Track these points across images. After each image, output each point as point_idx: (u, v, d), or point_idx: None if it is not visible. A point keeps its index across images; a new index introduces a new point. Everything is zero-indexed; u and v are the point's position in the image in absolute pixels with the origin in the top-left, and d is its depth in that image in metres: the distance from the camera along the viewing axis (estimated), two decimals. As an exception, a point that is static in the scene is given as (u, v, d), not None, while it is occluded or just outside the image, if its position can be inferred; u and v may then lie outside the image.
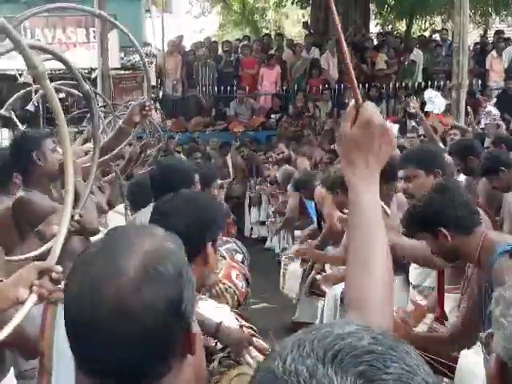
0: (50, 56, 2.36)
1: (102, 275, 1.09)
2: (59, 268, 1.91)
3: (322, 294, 5.54)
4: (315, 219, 6.61)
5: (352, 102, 1.39)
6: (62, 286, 2.02)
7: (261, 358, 2.54)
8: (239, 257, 3.66)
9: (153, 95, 12.85)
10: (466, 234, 2.63)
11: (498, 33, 15.31)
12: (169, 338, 1.10)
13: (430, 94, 9.46)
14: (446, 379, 3.07)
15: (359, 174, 1.34)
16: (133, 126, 3.50)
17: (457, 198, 2.69)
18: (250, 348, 2.62)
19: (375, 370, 0.73)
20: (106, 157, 3.46)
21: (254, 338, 2.70)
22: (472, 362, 2.88)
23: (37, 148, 3.33)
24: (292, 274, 6.10)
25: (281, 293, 6.40)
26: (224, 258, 3.40)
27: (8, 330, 1.74)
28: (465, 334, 2.77)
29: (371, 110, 1.38)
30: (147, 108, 3.42)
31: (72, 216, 2.44)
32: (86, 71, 12.51)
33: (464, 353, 2.95)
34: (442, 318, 3.32)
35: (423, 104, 10.27)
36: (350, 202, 1.36)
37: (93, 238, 4.20)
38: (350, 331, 0.78)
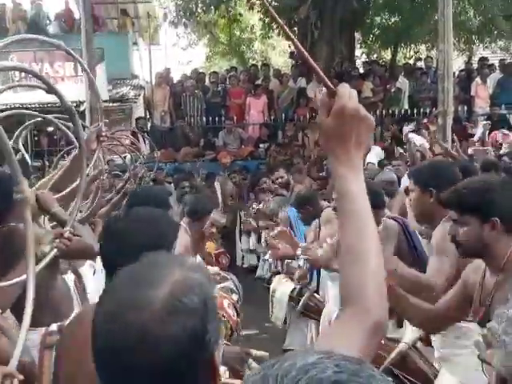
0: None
1: (128, 305, 1.10)
2: (20, 376, 1.89)
3: (314, 317, 5.51)
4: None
5: (324, 91, 1.37)
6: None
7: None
8: (235, 297, 3.65)
9: (140, 127, 12.90)
10: (509, 233, 2.55)
11: (482, 59, 15.53)
12: (191, 371, 1.09)
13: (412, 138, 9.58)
14: None
15: (343, 164, 1.33)
16: (90, 152, 3.50)
17: None
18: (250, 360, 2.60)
19: None
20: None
21: (251, 349, 2.69)
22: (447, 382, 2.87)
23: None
24: (278, 303, 6.06)
25: (272, 321, 6.37)
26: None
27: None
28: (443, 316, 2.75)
29: (344, 95, 1.39)
30: (103, 134, 3.44)
31: (61, 234, 2.40)
32: (75, 104, 12.55)
33: (442, 371, 2.93)
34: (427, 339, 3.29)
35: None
36: (337, 193, 1.34)
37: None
38: (312, 362, 0.77)
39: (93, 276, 4.81)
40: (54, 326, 3.28)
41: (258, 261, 10.26)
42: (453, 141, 9.34)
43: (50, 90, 2.38)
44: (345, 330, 1.23)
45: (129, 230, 2.05)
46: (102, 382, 1.11)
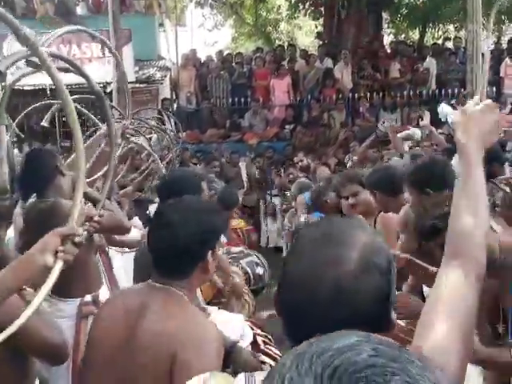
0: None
1: (323, 262, 1.18)
2: (81, 231, 1.94)
3: None
4: None
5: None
6: None
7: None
8: (260, 270, 3.66)
9: (167, 109, 12.95)
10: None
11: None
12: (375, 326, 1.12)
13: (445, 109, 9.47)
14: None
15: (473, 145, 1.51)
16: (114, 146, 3.60)
17: None
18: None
19: None
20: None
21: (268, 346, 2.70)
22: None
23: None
24: None
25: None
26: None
27: (38, 301, 1.75)
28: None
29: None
30: (127, 130, 3.50)
31: (91, 217, 2.45)
32: (102, 85, 12.63)
33: None
34: None
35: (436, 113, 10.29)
36: (462, 169, 1.50)
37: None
38: (349, 344, 0.76)
39: (121, 256, 4.90)
40: (88, 297, 3.41)
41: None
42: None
43: (80, 73, 2.42)
44: (453, 282, 1.32)
45: (180, 219, 2.07)
46: (290, 334, 1.19)
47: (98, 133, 4.20)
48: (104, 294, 3.46)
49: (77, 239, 1.90)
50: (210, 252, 2.08)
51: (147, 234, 2.18)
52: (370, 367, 0.72)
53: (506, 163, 6.22)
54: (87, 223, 2.49)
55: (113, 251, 4.63)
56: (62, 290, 3.13)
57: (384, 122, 8.21)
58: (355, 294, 1.15)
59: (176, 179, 3.56)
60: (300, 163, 10.02)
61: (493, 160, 5.37)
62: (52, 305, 3.30)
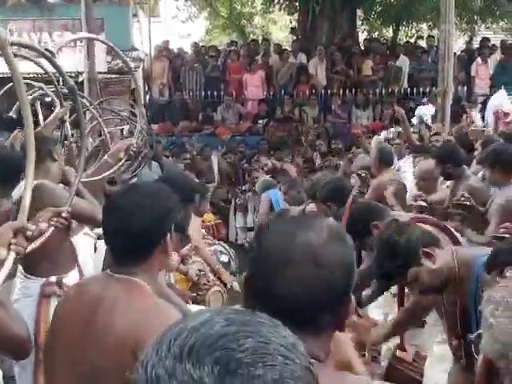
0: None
1: (297, 231, 1.29)
2: (32, 226, 2.01)
3: None
4: None
5: None
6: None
7: None
8: (225, 258, 3.67)
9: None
10: (438, 247, 2.62)
11: (484, 40, 15.46)
12: (335, 294, 1.27)
13: (422, 111, 9.57)
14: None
15: None
16: (117, 160, 3.64)
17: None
18: None
19: (230, 352, 0.74)
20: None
21: None
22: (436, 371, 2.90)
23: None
24: None
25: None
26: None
27: None
28: None
29: None
30: (134, 148, 3.53)
31: (58, 213, 2.47)
32: (73, 75, 12.48)
33: (427, 363, 2.97)
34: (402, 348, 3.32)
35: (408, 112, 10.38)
36: None
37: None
38: (202, 320, 0.79)
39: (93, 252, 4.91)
40: (52, 278, 3.49)
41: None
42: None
43: (56, 69, 2.41)
44: None
45: (137, 204, 2.03)
46: (256, 290, 1.29)
47: (53, 114, 4.22)
48: (73, 279, 3.47)
49: (28, 233, 1.96)
50: (167, 234, 2.04)
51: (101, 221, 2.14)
52: (224, 336, 0.76)
53: (474, 161, 6.29)
54: (54, 218, 2.50)
55: (77, 239, 4.62)
56: (29, 268, 3.37)
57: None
58: (324, 258, 1.25)
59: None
60: (265, 168, 10.01)
61: (447, 161, 5.43)
62: (22, 282, 3.45)
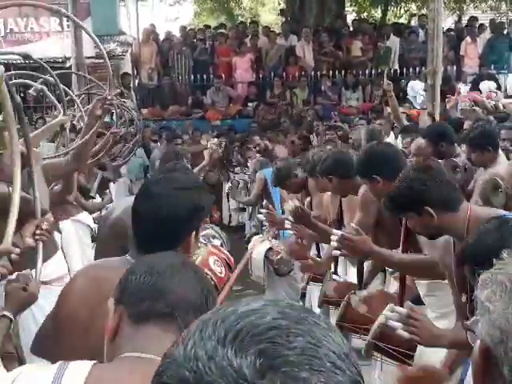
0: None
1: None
2: (16, 250, 2.13)
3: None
4: (279, 207, 6.67)
5: None
6: None
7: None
8: (217, 242, 3.64)
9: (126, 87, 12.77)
10: (452, 211, 2.62)
11: (472, 19, 15.43)
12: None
13: (416, 86, 9.57)
14: (388, 359, 3.10)
15: None
16: (96, 119, 3.56)
17: (439, 176, 2.71)
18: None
19: (277, 347, 0.71)
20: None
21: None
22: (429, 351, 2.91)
23: None
24: (256, 263, 6.05)
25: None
26: (205, 244, 3.40)
27: None
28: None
29: None
30: (108, 102, 3.46)
31: (37, 226, 2.56)
32: (60, 60, 12.38)
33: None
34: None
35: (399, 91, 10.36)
36: None
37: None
38: (254, 308, 0.76)
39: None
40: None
41: (249, 219, 10.26)
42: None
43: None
44: None
45: (168, 196, 2.01)
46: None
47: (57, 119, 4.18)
48: (54, 265, 3.47)
49: (13, 256, 2.07)
50: (193, 232, 2.00)
51: (132, 206, 2.10)
52: (273, 329, 0.72)
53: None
54: (38, 231, 2.56)
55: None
56: None
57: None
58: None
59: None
60: (257, 147, 10.00)
61: (440, 140, 5.43)
62: None
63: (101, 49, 3.99)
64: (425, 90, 10.15)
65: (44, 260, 3.56)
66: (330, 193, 4.84)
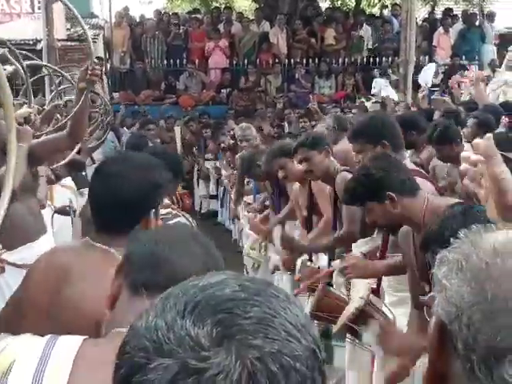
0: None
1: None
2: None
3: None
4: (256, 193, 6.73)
5: None
6: None
7: None
8: (189, 230, 3.67)
9: (100, 67, 12.63)
10: (411, 196, 2.68)
11: (447, 10, 15.55)
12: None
13: (379, 82, 9.64)
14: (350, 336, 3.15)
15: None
16: (82, 92, 3.49)
17: (396, 163, 2.81)
18: None
19: (234, 317, 0.73)
20: None
21: None
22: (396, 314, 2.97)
23: None
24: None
25: (234, 265, 6.39)
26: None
27: None
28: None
29: None
30: (90, 72, 3.38)
31: None
32: (31, 42, 12.20)
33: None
34: (377, 291, 3.38)
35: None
36: None
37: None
38: (214, 281, 0.79)
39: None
40: None
41: (221, 206, 10.24)
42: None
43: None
44: None
45: (125, 174, 2.00)
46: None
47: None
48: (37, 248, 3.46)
49: None
50: (152, 210, 1.99)
51: (89, 186, 2.11)
52: (232, 300, 0.75)
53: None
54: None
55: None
56: None
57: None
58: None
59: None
60: (231, 131, 9.95)
61: (411, 129, 5.42)
62: None
63: (83, 26, 3.92)
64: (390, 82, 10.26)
65: (29, 241, 3.54)
66: (298, 184, 4.85)
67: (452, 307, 0.83)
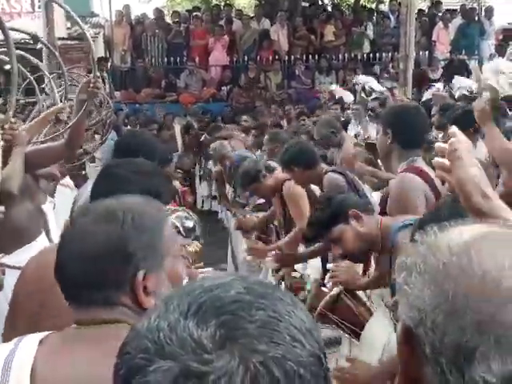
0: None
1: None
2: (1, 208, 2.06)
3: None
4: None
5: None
6: None
7: None
8: (190, 223, 3.65)
9: (102, 67, 12.63)
10: (371, 213, 2.77)
11: (445, 5, 15.53)
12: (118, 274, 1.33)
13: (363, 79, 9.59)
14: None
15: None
16: (81, 103, 3.52)
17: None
18: None
19: (238, 319, 0.72)
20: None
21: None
22: (374, 331, 2.96)
23: None
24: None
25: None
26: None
27: None
28: None
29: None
30: (92, 85, 3.42)
31: None
32: (31, 41, 12.18)
33: (376, 314, 3.01)
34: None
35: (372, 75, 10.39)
36: None
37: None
38: (220, 283, 0.77)
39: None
40: None
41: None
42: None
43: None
44: None
45: (126, 179, 2.03)
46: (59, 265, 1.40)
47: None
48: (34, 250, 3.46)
49: None
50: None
51: (92, 188, 2.08)
52: (236, 302, 0.74)
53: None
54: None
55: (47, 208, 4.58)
56: None
57: None
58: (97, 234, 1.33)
59: (134, 142, 3.50)
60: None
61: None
62: None
63: (81, 27, 3.95)
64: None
65: (26, 242, 3.55)
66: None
67: (415, 312, 0.82)
